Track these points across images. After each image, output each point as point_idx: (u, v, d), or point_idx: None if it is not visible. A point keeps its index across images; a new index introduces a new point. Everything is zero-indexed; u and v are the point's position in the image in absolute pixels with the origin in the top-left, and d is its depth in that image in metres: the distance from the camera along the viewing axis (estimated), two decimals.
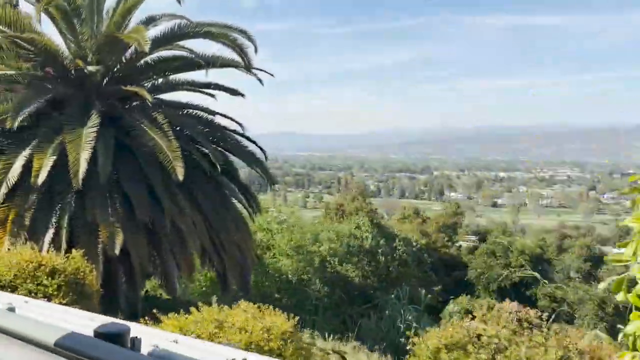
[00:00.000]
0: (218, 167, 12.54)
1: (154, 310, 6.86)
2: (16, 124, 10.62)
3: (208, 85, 14.42)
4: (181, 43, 13.12)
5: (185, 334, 6.10)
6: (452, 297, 26.74)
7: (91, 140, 10.88)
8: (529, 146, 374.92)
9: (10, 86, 13.75)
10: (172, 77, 14.55)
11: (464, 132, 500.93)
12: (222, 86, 14.60)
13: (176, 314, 6.70)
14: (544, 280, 36.49)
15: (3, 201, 11.00)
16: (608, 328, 42.43)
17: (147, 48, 10.73)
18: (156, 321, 6.96)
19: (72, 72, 12.88)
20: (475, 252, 37.59)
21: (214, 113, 14.79)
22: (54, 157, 10.98)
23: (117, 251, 10.84)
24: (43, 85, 12.49)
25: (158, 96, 14.23)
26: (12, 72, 11.98)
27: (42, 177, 10.59)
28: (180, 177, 11.19)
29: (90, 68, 11.69)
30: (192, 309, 6.69)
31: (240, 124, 14.42)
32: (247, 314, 6.12)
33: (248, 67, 12.85)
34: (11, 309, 5.26)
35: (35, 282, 8.93)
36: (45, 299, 8.83)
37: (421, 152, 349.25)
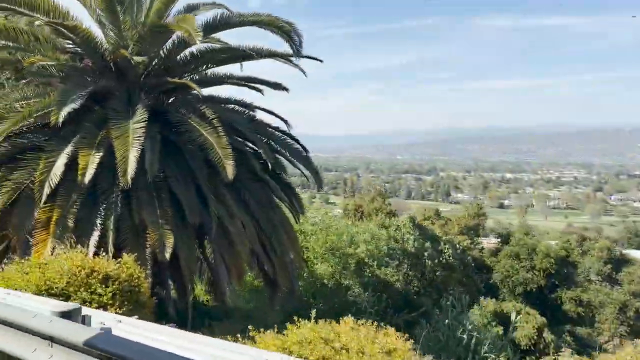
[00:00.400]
0: (270, 165, 11.76)
1: (249, 326, 6.00)
2: (61, 119, 9.84)
3: (252, 80, 13.63)
4: (226, 32, 12.35)
5: (290, 355, 5.30)
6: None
7: (139, 136, 10.09)
8: (532, 147, 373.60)
9: (46, 80, 13.00)
10: (211, 70, 13.75)
11: (467, 133, 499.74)
12: (266, 81, 13.79)
13: (275, 331, 5.81)
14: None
15: (45, 201, 10.21)
16: (629, 332, 41.56)
17: (199, 39, 9.94)
18: (249, 338, 6.14)
19: (112, 63, 12.10)
20: (498, 254, 36.65)
21: (253, 108, 13.99)
22: (100, 153, 10.20)
23: (167, 255, 10.04)
24: (82, 77, 11.71)
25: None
26: (52, 62, 11.19)
27: (88, 175, 9.81)
28: (230, 176, 10.42)
29: (137, 58, 10.89)
30: (289, 325, 5.83)
31: (285, 121, 13.61)
32: (358, 332, 5.30)
33: (298, 54, 12.00)
34: (104, 328, 4.44)
35: (89, 290, 8.16)
36: (101, 309, 8.07)
37: (426, 152, 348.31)
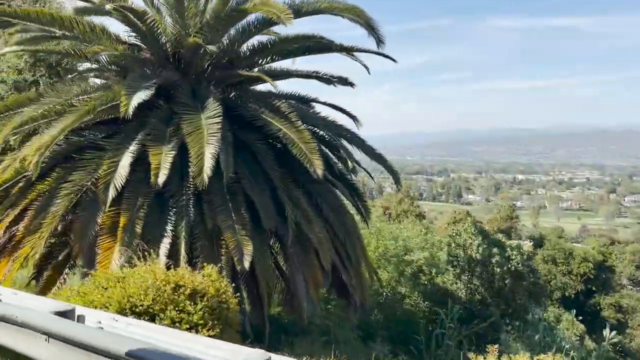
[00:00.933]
0: (350, 165, 10.77)
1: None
2: (131, 110, 8.88)
3: (317, 73, 12.58)
4: (297, 21, 11.27)
5: None
6: None
7: (215, 132, 9.09)
8: (543, 148, 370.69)
9: (98, 73, 12.09)
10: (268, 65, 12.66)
11: (476, 134, 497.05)
12: (330, 75, 12.73)
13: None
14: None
15: (110, 205, 9.23)
16: None
17: (290, 22, 8.94)
18: None
19: (173, 54, 11.13)
20: (534, 258, 35.39)
21: (310, 104, 12.95)
22: (173, 152, 9.21)
23: (247, 264, 9.05)
24: (144, 69, 10.73)
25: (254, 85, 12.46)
26: (115, 52, 10.23)
27: (162, 176, 8.81)
28: (320, 173, 9.45)
29: (211, 47, 9.87)
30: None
31: (354, 118, 12.53)
32: None
33: (380, 45, 10.92)
34: None
35: (177, 309, 7.16)
36: (193, 331, 7.07)
37: (435, 154, 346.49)
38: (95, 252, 9.28)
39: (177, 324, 6.99)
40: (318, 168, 9.31)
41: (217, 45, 10.67)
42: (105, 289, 7.33)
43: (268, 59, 12.09)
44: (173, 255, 9.17)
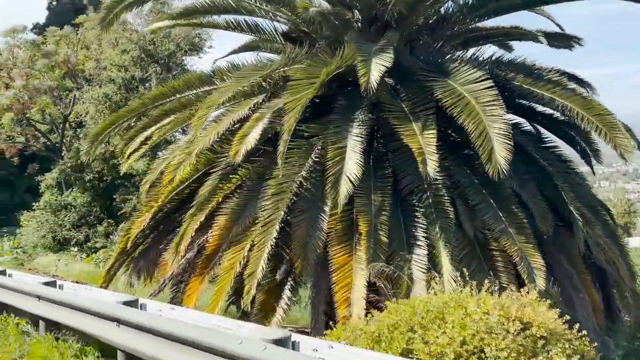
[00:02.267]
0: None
1: None
2: (375, 82, 6.54)
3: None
4: None
5: None
6: None
7: (494, 101, 6.64)
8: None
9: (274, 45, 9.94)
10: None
11: None
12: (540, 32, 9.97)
13: None
14: None
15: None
16: None
17: None
18: None
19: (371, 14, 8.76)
20: None
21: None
22: (433, 131, 6.78)
23: (541, 284, 6.54)
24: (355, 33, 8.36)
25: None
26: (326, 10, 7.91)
27: (431, 163, 6.41)
28: (628, 156, 6.97)
29: None
30: None
31: (592, 88, 9.78)
32: None
33: None
34: None
35: None
36: None
37: None
38: (326, 268, 7.01)
39: None
40: (626, 150, 6.70)
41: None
42: (413, 330, 4.94)
43: (479, 16, 9.43)
44: (429, 270, 6.77)
